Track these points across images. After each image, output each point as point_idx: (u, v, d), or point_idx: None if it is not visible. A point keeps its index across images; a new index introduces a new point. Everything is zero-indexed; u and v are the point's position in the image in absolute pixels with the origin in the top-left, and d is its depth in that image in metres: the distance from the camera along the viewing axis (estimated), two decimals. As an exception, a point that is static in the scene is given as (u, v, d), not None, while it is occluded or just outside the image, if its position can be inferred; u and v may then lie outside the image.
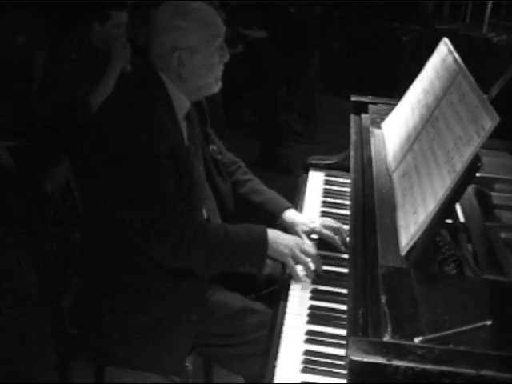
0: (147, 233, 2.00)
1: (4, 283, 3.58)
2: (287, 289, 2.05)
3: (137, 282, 2.11)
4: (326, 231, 2.25)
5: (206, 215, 2.27)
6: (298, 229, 2.28)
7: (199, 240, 2.03)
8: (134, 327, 2.11)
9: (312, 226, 2.28)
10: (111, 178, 2.02)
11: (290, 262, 2.09)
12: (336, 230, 2.27)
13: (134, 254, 2.08)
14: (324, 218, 2.36)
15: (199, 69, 2.10)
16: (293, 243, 2.12)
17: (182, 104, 2.15)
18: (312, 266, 2.10)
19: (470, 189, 2.02)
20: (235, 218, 2.38)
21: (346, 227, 2.23)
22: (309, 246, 2.16)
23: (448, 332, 1.33)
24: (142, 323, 2.11)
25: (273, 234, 2.12)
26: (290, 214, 2.35)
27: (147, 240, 2.01)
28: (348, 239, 2.16)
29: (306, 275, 2.09)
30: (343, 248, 2.23)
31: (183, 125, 2.19)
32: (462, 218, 1.89)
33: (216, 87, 2.19)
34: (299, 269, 2.10)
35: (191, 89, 2.14)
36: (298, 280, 2.07)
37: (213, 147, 2.39)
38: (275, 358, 1.76)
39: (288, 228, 2.32)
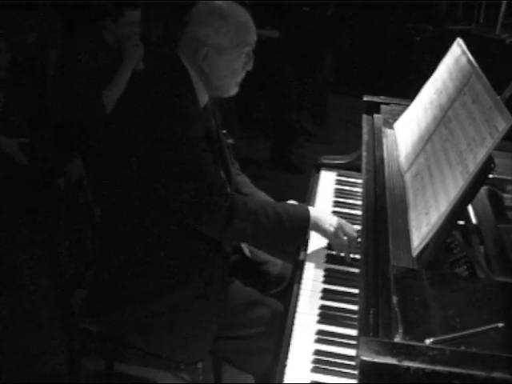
0: (198, 206, 2.03)
1: (16, 279, 3.59)
2: (301, 271, 2.11)
3: (159, 266, 2.13)
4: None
5: None
6: None
7: (249, 212, 2.09)
8: (154, 313, 2.13)
9: None
10: (153, 160, 2.04)
11: (335, 240, 2.17)
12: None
13: (157, 239, 2.10)
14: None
15: (222, 70, 2.13)
16: (336, 223, 2.19)
17: (203, 94, 2.18)
18: (351, 249, 2.17)
19: (483, 190, 2.01)
20: None
21: (358, 227, 2.23)
22: (351, 228, 2.20)
23: (459, 334, 1.32)
24: (163, 309, 2.13)
25: (316, 212, 2.21)
26: None
27: (198, 213, 2.05)
28: (359, 239, 2.16)
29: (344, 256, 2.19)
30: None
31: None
32: (474, 220, 1.89)
33: (233, 91, 2.22)
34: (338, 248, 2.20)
35: (210, 86, 2.17)
36: (348, 260, 2.17)
37: (224, 131, 2.42)
38: (285, 357, 1.76)
39: None
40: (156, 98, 2.07)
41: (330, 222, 2.19)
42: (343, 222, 2.21)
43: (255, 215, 2.10)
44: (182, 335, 2.15)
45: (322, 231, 2.18)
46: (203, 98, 2.20)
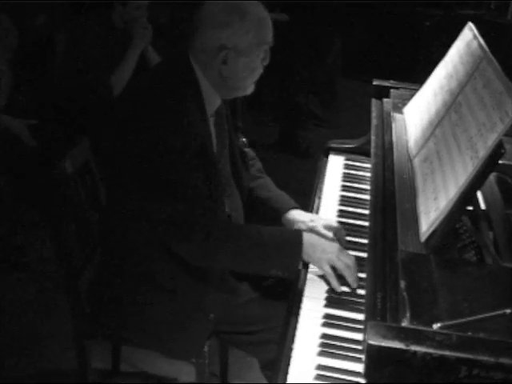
0: (174, 230, 1.97)
1: (23, 261, 3.61)
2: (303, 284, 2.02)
3: (158, 271, 2.09)
4: (323, 231, 2.15)
5: (228, 212, 2.22)
6: (296, 227, 2.21)
7: (227, 238, 1.99)
8: (152, 314, 2.11)
9: (310, 224, 2.19)
10: (138, 169, 1.99)
11: (328, 269, 1.98)
12: (336, 231, 2.17)
13: (157, 243, 2.05)
14: (325, 219, 2.26)
15: (242, 71, 2.04)
16: (331, 249, 2.01)
17: (213, 100, 2.10)
18: (350, 276, 1.97)
19: (492, 176, 2.00)
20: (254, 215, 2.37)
21: (366, 212, 2.22)
22: (347, 255, 2.02)
23: (467, 319, 1.32)
24: (160, 312, 2.11)
25: (309, 238, 2.03)
26: (293, 213, 2.28)
27: (174, 237, 1.99)
28: (368, 224, 2.14)
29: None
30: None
31: (211, 120, 2.14)
32: (483, 205, 1.88)
33: (250, 89, 2.15)
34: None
35: (227, 88, 2.09)
36: (338, 289, 1.95)
37: (242, 139, 2.36)
38: (292, 340, 1.75)
39: (288, 226, 2.26)
40: (156, 104, 2.00)
41: (323, 248, 2.00)
42: (339, 247, 2.03)
43: (234, 248, 1.99)
44: (173, 336, 2.11)
45: (315, 260, 2.00)
46: (214, 103, 2.12)
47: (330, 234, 2.15)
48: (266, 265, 2.03)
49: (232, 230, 2.02)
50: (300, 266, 2.04)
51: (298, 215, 2.27)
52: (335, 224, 2.20)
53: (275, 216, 2.30)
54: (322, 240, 2.06)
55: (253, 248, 1.99)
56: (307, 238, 2.03)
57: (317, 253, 2.00)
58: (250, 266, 2.07)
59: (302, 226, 2.20)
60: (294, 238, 2.03)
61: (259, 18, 2.02)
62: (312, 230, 2.16)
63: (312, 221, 2.21)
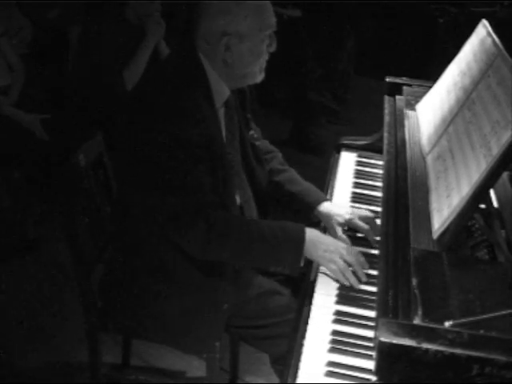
0: (176, 222, 1.98)
1: (36, 254, 3.62)
2: (314, 278, 2.03)
3: (170, 265, 2.10)
4: (361, 223, 2.18)
5: (238, 202, 2.24)
6: (334, 221, 2.22)
7: (230, 234, 2.00)
8: (164, 308, 2.12)
9: (347, 217, 2.20)
10: (142, 162, 2.02)
11: (332, 266, 1.98)
12: (371, 222, 2.19)
13: (167, 238, 2.06)
14: (359, 210, 2.27)
15: (246, 56, 2.05)
16: (333, 248, 2.01)
17: (221, 91, 2.10)
18: (357, 273, 1.98)
19: (505, 175, 1.99)
20: (271, 206, 2.37)
21: (378, 209, 2.21)
22: (351, 253, 2.01)
23: (479, 317, 1.31)
24: (173, 305, 2.11)
25: (313, 234, 2.04)
26: (327, 206, 2.28)
27: (176, 229, 2.00)
28: (380, 221, 2.14)
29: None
30: (375, 241, 2.15)
31: (221, 112, 2.14)
32: (495, 204, 1.87)
33: (259, 77, 2.14)
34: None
35: (235, 76, 2.10)
36: (346, 283, 1.97)
37: (252, 132, 2.35)
38: (303, 336, 1.76)
39: (323, 219, 2.27)
40: (161, 97, 2.02)
41: (325, 247, 2.00)
42: (342, 246, 2.03)
43: (236, 244, 2.01)
44: (190, 325, 2.13)
45: (317, 257, 2.01)
46: (223, 94, 2.11)
47: (367, 226, 2.17)
48: (266, 261, 2.08)
49: (233, 225, 2.03)
50: (302, 264, 2.05)
51: (333, 208, 2.27)
52: (370, 214, 2.22)
53: (308, 210, 2.29)
54: (326, 238, 2.08)
55: (253, 244, 2.01)
56: (310, 235, 2.03)
57: (319, 251, 2.01)
58: (251, 261, 2.12)
59: (340, 220, 2.21)
60: (296, 235, 2.03)
61: (257, 3, 2.04)
62: (349, 223, 2.20)
63: (348, 213, 2.22)
